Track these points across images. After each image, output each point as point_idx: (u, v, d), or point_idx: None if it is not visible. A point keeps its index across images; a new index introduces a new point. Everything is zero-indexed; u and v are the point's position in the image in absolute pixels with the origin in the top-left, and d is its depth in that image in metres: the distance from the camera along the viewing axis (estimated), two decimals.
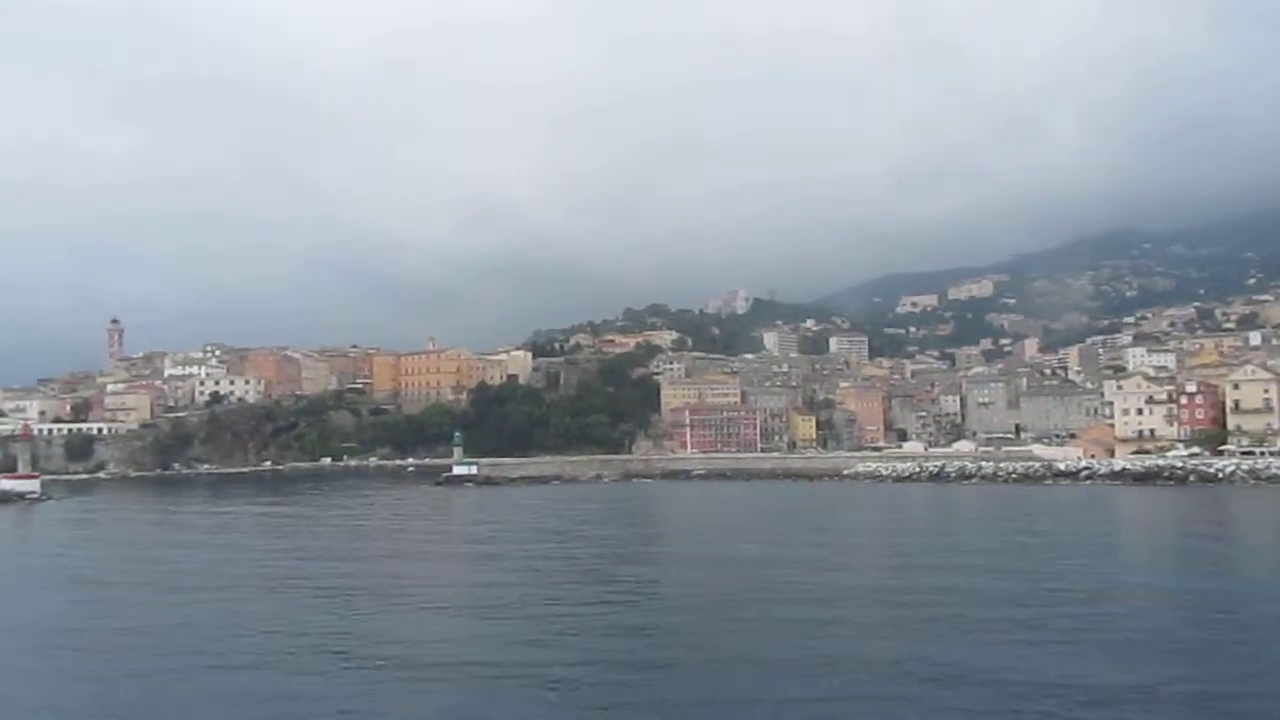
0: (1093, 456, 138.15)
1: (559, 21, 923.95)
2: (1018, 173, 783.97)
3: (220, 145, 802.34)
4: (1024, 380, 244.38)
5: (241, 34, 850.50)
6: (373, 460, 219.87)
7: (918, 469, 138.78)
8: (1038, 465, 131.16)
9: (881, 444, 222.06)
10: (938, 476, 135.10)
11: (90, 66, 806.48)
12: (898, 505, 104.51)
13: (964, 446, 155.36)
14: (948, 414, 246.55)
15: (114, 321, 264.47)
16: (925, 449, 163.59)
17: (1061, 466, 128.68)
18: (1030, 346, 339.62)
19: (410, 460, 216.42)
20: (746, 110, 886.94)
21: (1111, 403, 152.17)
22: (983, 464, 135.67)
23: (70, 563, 70.64)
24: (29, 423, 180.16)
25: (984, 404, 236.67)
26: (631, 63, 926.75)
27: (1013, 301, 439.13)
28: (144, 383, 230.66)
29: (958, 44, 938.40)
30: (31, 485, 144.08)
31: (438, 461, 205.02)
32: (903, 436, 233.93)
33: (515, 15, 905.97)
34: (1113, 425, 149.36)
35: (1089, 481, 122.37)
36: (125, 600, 52.81)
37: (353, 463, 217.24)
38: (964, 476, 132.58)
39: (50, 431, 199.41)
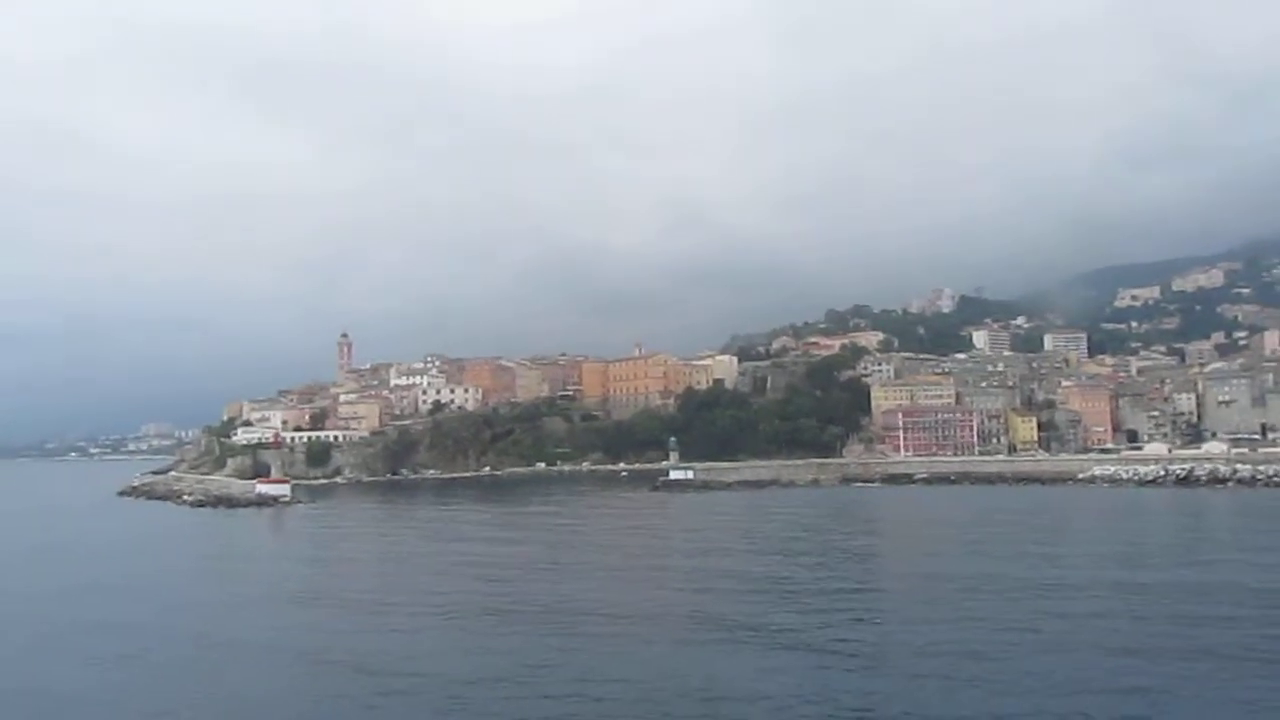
0: None
1: (751, 25, 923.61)
2: (1249, 150, 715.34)
3: (439, 171, 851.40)
4: (1270, 376, 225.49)
5: (455, 71, 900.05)
6: (585, 465, 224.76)
7: (1162, 472, 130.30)
8: None
9: (1110, 445, 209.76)
10: (1185, 481, 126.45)
11: (325, 103, 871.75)
12: (1178, 514, 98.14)
13: (1215, 448, 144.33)
14: (1182, 413, 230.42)
15: (344, 335, 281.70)
16: (1169, 450, 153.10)
17: None
18: (1271, 339, 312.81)
19: (622, 465, 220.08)
20: (946, 94, 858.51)
21: None
22: (1238, 467, 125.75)
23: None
24: (279, 432, 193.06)
25: (1225, 402, 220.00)
26: (824, 56, 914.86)
27: (1247, 291, 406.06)
28: (373, 392, 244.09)
29: (1187, 7, 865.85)
30: (284, 489, 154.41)
31: (649, 466, 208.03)
32: (1132, 438, 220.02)
33: (708, 24, 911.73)
34: None
35: None
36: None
37: (566, 468, 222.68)
38: (1216, 480, 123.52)
39: (293, 439, 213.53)
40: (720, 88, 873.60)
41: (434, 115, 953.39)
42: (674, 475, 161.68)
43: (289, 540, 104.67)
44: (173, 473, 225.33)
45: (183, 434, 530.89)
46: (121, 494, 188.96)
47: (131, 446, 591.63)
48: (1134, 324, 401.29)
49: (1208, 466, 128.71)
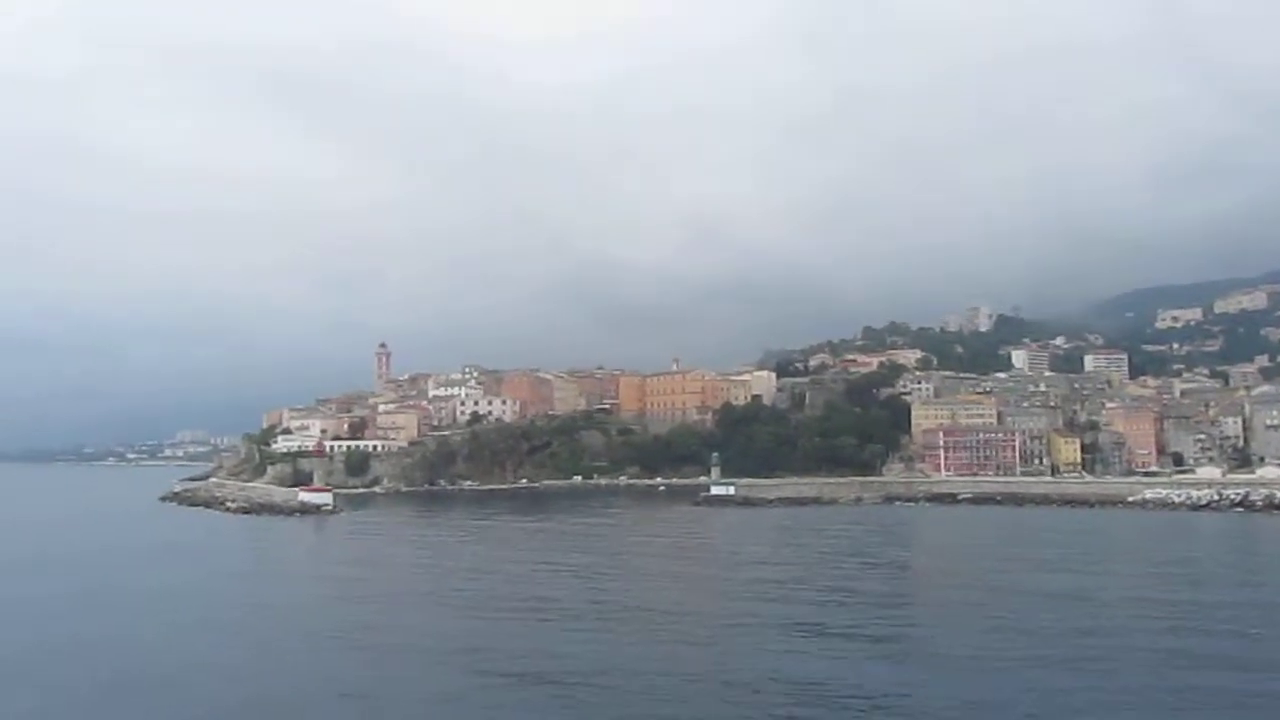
0: None
1: (774, 40, 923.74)
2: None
3: (459, 187, 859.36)
4: None
5: (476, 86, 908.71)
6: (622, 479, 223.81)
7: (1216, 496, 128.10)
8: None
9: (1155, 468, 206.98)
10: (1241, 505, 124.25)
11: (346, 118, 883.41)
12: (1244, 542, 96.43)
13: (1270, 472, 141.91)
14: (1228, 437, 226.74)
15: (381, 346, 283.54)
16: (1223, 474, 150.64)
17: None
18: None
19: (659, 480, 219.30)
20: (974, 110, 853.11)
21: None
22: None
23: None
24: (322, 440, 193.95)
25: (1274, 426, 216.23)
26: (848, 71, 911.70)
27: None
28: (411, 403, 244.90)
29: (1212, 19, 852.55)
30: (326, 498, 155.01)
31: (687, 481, 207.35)
32: (1177, 461, 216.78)
33: (725, 40, 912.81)
34: None
35: None
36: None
37: (603, 481, 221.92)
38: (1274, 506, 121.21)
39: (332, 449, 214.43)
40: (742, 103, 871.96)
41: (454, 131, 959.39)
42: (715, 491, 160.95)
43: (357, 547, 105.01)
44: (213, 479, 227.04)
45: (217, 440, 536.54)
46: (164, 499, 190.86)
47: (168, 452, 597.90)
48: (1175, 346, 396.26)
49: (1264, 491, 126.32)
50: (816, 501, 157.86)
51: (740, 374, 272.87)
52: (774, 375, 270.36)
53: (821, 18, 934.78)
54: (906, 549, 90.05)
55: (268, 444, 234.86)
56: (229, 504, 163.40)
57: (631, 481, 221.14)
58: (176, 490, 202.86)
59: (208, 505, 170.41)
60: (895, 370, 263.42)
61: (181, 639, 52.10)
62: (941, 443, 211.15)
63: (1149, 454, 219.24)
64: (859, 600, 59.57)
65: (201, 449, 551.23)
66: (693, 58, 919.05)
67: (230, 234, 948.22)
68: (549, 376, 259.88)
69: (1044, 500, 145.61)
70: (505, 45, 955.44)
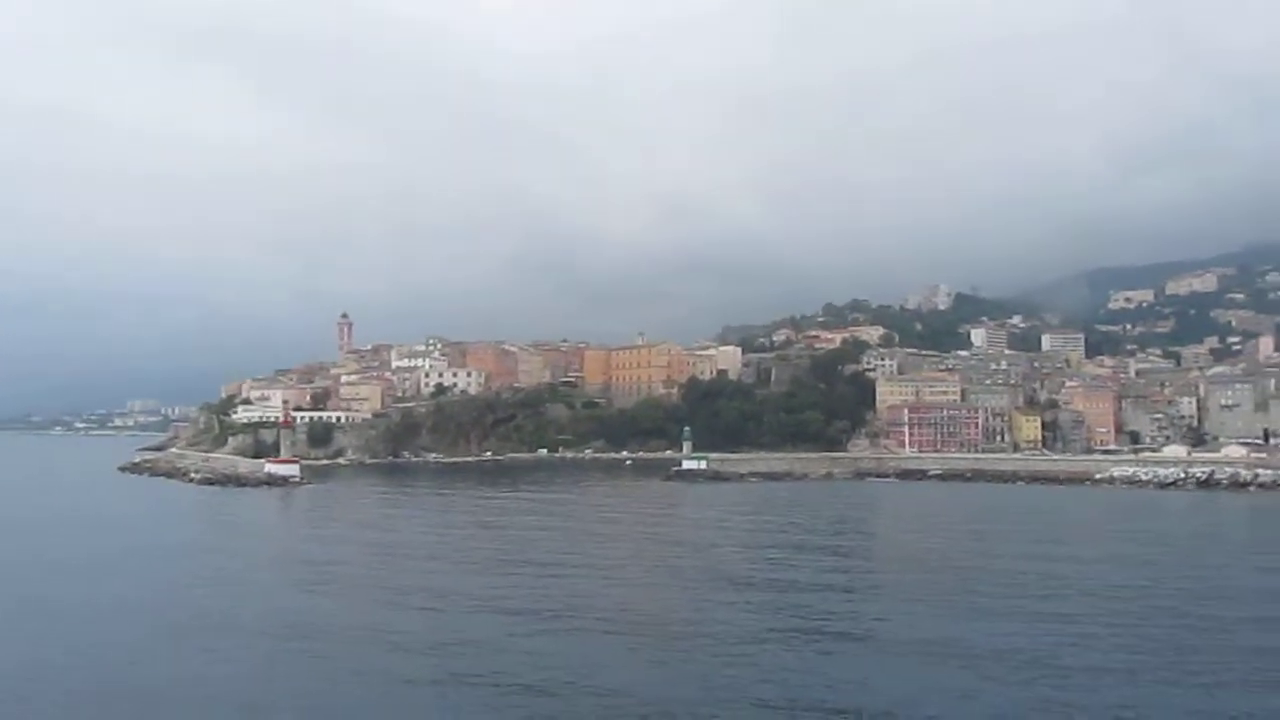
0: None
1: (749, 16, 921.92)
2: (1243, 156, 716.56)
3: (428, 154, 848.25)
4: (1272, 382, 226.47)
5: (448, 54, 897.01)
6: (588, 452, 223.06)
7: (1182, 475, 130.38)
8: None
9: (1113, 446, 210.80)
10: (1206, 484, 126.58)
11: (309, 84, 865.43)
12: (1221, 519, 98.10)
13: (1235, 452, 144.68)
14: (1183, 416, 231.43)
15: (344, 316, 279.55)
16: (1188, 453, 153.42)
17: None
18: (1265, 345, 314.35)
19: (625, 453, 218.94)
20: (945, 92, 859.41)
21: None
22: (1259, 472, 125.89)
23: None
24: (290, 411, 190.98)
25: (1228, 406, 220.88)
26: (823, 50, 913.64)
27: (1241, 296, 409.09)
28: (375, 374, 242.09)
29: (1191, 7, 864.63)
30: (293, 470, 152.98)
31: (653, 455, 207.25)
32: (1135, 439, 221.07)
33: (700, 12, 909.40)
34: None
35: None
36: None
37: (568, 454, 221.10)
38: (1237, 485, 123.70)
39: (295, 419, 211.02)
40: (716, 79, 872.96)
41: (424, 98, 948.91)
42: (687, 465, 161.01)
43: (327, 521, 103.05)
44: (173, 450, 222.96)
45: (169, 410, 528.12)
46: (122, 470, 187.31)
47: (118, 422, 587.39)
48: (1128, 326, 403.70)
49: (1228, 470, 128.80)
50: (788, 476, 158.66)
51: (706, 349, 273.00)
52: (740, 350, 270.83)
53: None
54: (906, 526, 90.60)
55: (227, 414, 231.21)
56: (192, 475, 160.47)
57: (597, 455, 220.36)
58: (136, 460, 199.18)
59: (169, 476, 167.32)
60: (859, 347, 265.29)
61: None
62: (906, 419, 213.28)
63: (1108, 432, 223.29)
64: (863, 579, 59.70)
65: (153, 419, 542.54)
66: (666, 31, 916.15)
67: (185, 199, 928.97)
68: (514, 349, 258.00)
69: (1013, 477, 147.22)
70: (481, 11, 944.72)
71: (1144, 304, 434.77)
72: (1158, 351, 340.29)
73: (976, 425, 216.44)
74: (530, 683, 35.86)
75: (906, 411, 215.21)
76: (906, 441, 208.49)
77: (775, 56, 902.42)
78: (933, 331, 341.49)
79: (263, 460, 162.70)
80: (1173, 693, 33.99)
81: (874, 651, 40.78)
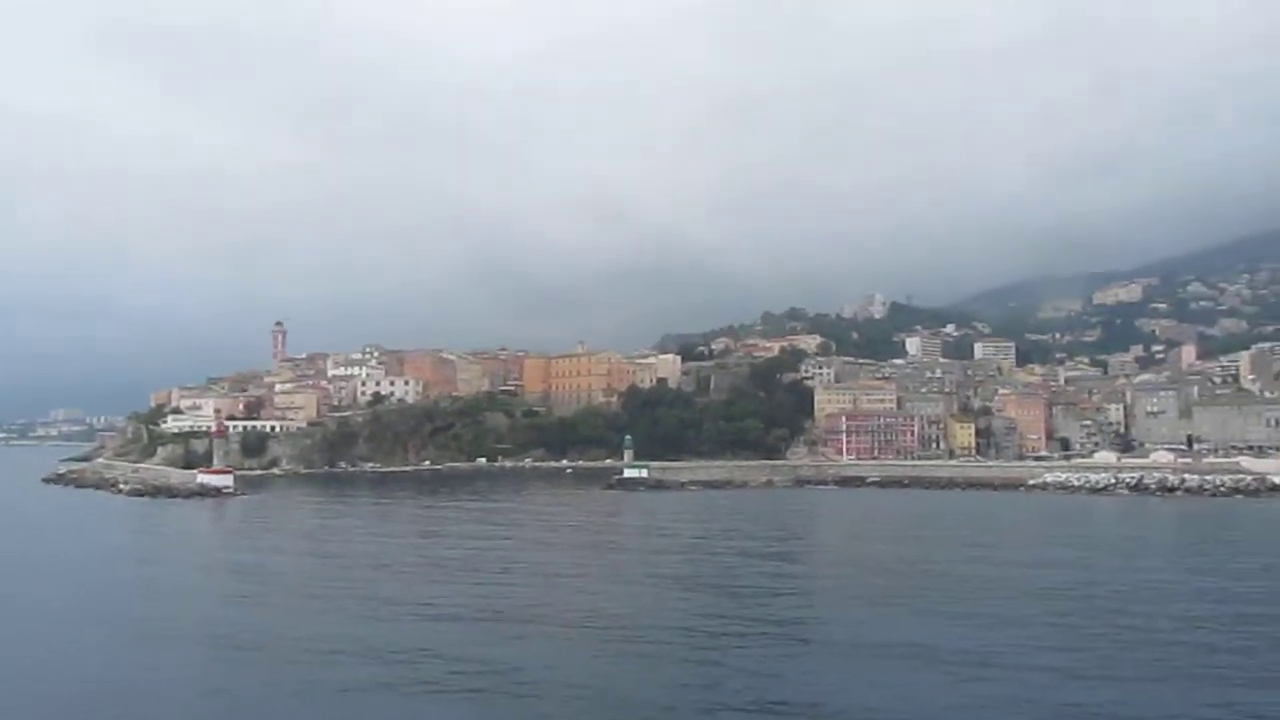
0: None
1: (689, 25, 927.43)
2: (1171, 170, 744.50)
3: (365, 158, 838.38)
4: (1195, 389, 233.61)
5: (387, 56, 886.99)
6: (527, 461, 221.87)
7: (1113, 480, 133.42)
8: (1249, 479, 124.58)
9: (1044, 453, 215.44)
10: (1136, 489, 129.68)
11: (244, 87, 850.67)
12: (1157, 523, 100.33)
13: (1163, 457, 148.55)
14: (1111, 423, 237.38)
15: (278, 324, 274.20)
16: (1118, 459, 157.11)
17: (1277, 480, 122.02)
18: (1188, 354, 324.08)
19: (565, 462, 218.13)
20: (879, 107, 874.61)
21: None
22: (1186, 476, 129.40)
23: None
24: (223, 421, 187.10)
25: (1153, 413, 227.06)
26: (763, 62, 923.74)
27: (1164, 306, 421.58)
28: (310, 383, 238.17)
29: (1107, 26, 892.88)
30: (226, 480, 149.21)
31: (593, 464, 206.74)
32: (1065, 445, 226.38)
33: (645, 22, 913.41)
34: None
35: None
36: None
37: (508, 464, 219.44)
38: (1165, 489, 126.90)
39: (228, 429, 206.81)
40: (659, 87, 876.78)
41: (361, 100, 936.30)
42: (628, 474, 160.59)
43: (260, 532, 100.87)
44: (100, 460, 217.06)
45: (94, 420, 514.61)
46: (47, 480, 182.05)
47: (40, 432, 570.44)
48: (1057, 335, 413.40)
49: (1156, 475, 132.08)
50: (729, 484, 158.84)
51: (646, 357, 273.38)
52: (679, 359, 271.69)
53: (742, 8, 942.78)
54: (849, 532, 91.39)
55: (156, 424, 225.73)
56: (121, 486, 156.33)
57: (537, 464, 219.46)
58: (61, 471, 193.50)
59: (97, 487, 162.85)
60: (797, 355, 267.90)
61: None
62: (844, 427, 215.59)
63: (1039, 439, 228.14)
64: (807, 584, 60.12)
65: (77, 428, 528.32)
66: (610, 39, 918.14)
67: (107, 198, 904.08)
68: (452, 357, 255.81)
69: (949, 484, 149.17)
70: (420, 13, 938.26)
71: (1072, 313, 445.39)
72: (1086, 360, 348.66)
73: (913, 433, 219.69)
74: (477, 687, 35.61)
75: (844, 419, 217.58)
76: (844, 449, 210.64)
77: (720, 69, 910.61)
78: (869, 340, 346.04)
79: (194, 471, 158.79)
80: (1110, 689, 34.72)
81: (819, 651, 41.50)
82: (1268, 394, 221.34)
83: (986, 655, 39.59)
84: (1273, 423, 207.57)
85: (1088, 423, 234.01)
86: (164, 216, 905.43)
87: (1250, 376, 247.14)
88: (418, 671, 38.04)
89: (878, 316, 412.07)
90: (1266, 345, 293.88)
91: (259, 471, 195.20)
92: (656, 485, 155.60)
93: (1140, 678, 36.25)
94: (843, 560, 73.53)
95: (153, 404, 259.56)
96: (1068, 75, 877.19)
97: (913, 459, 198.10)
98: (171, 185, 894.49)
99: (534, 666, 38.57)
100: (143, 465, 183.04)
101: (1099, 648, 40.77)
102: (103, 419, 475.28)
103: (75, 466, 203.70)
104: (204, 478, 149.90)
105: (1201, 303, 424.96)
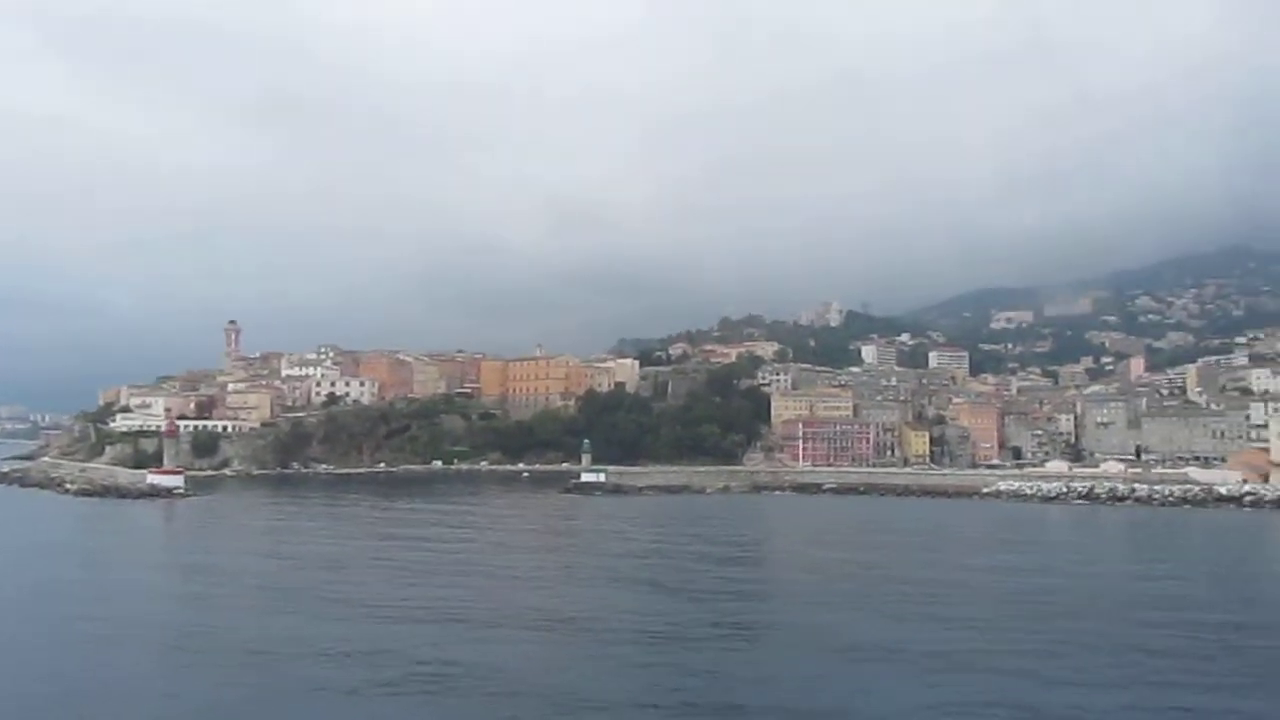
0: (1245, 481, 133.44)
1: (651, 32, 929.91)
2: (1121, 187, 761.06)
3: (311, 157, 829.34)
4: (1144, 401, 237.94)
5: (341, 56, 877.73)
6: (484, 464, 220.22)
7: (1065, 489, 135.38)
8: (1196, 489, 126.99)
9: (997, 461, 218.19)
10: (1087, 497, 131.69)
11: (195, 85, 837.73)
12: (1109, 532, 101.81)
13: (1113, 467, 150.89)
14: (1061, 433, 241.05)
15: (231, 322, 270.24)
16: (1070, 468, 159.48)
17: (1223, 491, 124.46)
18: (1136, 366, 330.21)
19: (522, 465, 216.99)
20: (845, 119, 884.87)
21: (1264, 425, 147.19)
22: (1135, 486, 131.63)
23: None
24: (174, 420, 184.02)
25: (1102, 424, 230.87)
26: (724, 72, 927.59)
27: (1113, 319, 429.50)
28: (264, 382, 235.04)
29: (1063, 46, 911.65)
30: (177, 481, 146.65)
31: (549, 468, 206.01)
32: (1017, 454, 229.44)
33: (609, 29, 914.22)
34: (1265, 449, 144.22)
35: (1251, 508, 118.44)
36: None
37: (464, 466, 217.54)
38: (1116, 498, 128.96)
39: (179, 428, 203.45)
40: (619, 93, 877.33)
41: (319, 99, 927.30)
42: (586, 478, 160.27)
43: (209, 535, 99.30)
44: (45, 459, 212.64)
45: (38, 418, 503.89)
46: None
47: None
48: (1009, 345, 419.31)
49: (1106, 485, 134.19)
50: (686, 489, 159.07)
51: (604, 361, 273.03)
52: (637, 363, 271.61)
53: (707, 16, 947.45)
54: (806, 538, 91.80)
55: (105, 423, 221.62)
56: (68, 485, 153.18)
57: (493, 467, 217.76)
58: (4, 470, 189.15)
59: (42, 486, 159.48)
60: (754, 362, 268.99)
61: None
62: (801, 433, 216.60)
63: (992, 448, 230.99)
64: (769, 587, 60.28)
65: (21, 426, 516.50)
66: (570, 44, 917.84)
67: (48, 193, 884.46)
68: (408, 359, 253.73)
69: (904, 491, 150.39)
70: (378, 9, 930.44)
71: (1024, 324, 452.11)
72: (1037, 370, 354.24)
73: (868, 440, 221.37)
74: (436, 689, 35.37)
75: (801, 426, 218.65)
76: (800, 455, 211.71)
77: (685, 75, 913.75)
78: (825, 347, 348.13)
79: (144, 471, 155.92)
80: (1068, 692, 35.14)
81: (780, 653, 41.71)
82: (1214, 406, 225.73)
83: (947, 657, 39.98)
84: (1218, 434, 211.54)
85: (1039, 432, 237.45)
86: (110, 210, 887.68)
87: (1197, 389, 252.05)
88: (377, 673, 37.62)
89: (834, 324, 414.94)
90: (1212, 359, 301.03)
91: (210, 472, 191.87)
92: (614, 489, 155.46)
93: (1099, 683, 36.73)
94: (801, 565, 73.88)
95: (101, 402, 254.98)
96: (1024, 92, 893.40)
97: (868, 466, 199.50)
98: (120, 178, 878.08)
99: (493, 668, 38.43)
100: (90, 465, 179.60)
101: (1059, 651, 41.29)
102: (48, 417, 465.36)
103: (19, 465, 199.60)
104: (154, 478, 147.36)
105: (1150, 316, 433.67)
